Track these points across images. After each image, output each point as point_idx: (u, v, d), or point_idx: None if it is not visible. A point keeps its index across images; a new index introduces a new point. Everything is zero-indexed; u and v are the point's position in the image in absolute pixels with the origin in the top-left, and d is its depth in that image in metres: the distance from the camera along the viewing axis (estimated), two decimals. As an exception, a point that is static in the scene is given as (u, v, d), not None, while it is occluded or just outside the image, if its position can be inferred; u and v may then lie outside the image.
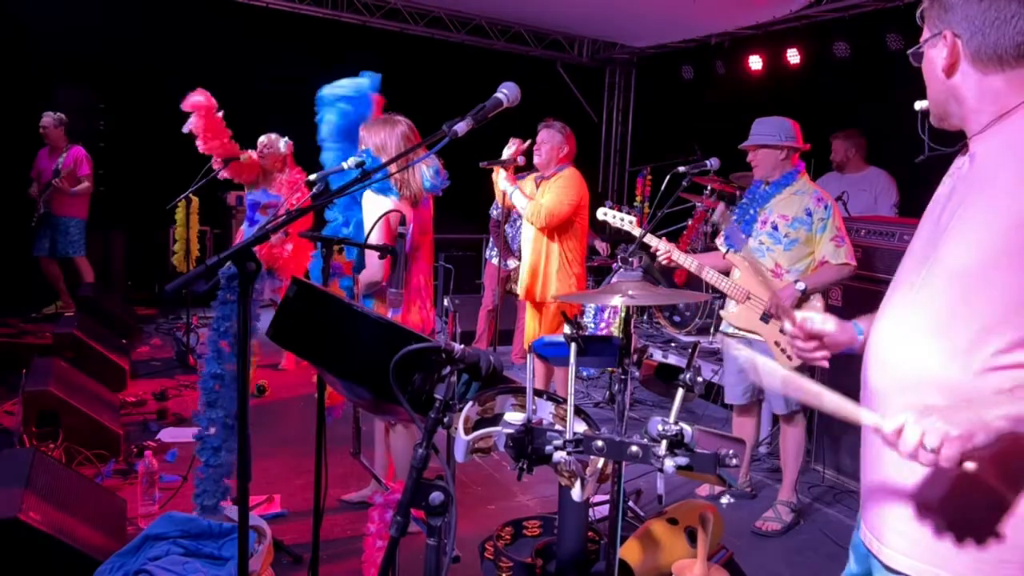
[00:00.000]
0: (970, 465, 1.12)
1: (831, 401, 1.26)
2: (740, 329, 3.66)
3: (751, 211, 3.65)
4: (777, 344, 3.51)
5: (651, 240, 3.61)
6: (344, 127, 3.32)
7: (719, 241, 3.88)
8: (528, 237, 4.52)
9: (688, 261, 3.62)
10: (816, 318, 1.55)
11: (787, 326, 1.57)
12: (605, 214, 3.79)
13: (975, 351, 1.24)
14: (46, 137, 6.71)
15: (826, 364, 1.59)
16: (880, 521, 1.40)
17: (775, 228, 3.54)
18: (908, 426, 1.13)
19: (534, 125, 4.49)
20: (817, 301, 3.49)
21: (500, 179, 4.46)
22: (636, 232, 3.63)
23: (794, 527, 3.66)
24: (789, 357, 3.45)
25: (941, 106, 1.41)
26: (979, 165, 1.33)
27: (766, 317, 3.52)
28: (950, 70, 1.34)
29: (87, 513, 2.87)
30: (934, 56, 1.37)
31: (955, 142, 1.47)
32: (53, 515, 2.62)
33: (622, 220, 3.69)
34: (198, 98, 4.97)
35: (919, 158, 1.57)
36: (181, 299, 6.42)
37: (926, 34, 1.39)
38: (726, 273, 3.66)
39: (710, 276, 3.63)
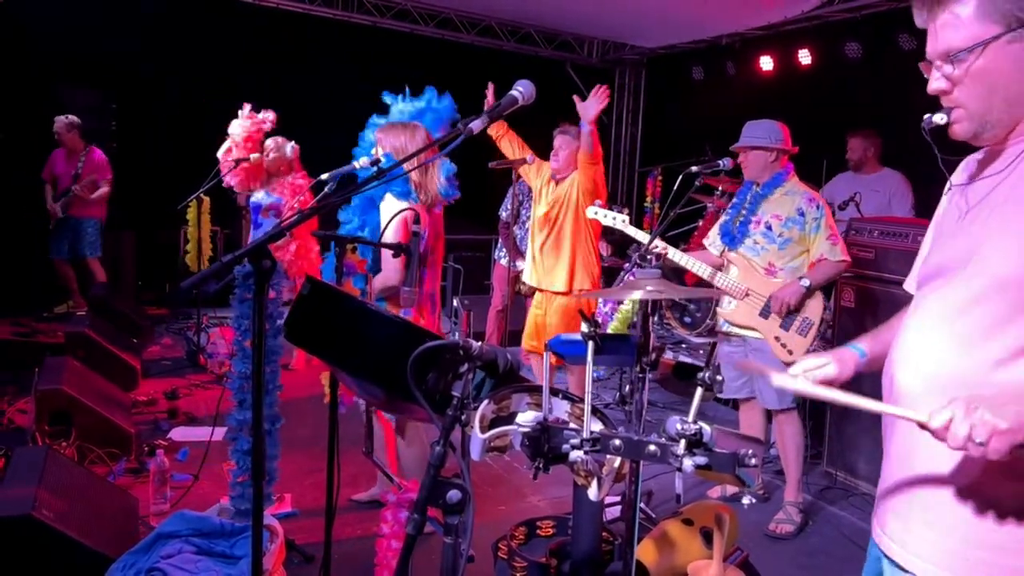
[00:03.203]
0: None
1: (864, 403, 1.25)
2: (738, 326, 3.66)
3: (746, 214, 3.67)
4: (777, 339, 3.52)
5: (633, 232, 3.65)
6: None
7: (708, 240, 3.89)
8: (565, 233, 4.37)
9: (680, 256, 3.62)
10: (813, 366, 1.53)
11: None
12: (595, 213, 3.79)
13: (1017, 358, 1.22)
14: (61, 141, 6.72)
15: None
16: (898, 523, 1.38)
17: (769, 228, 3.59)
18: (956, 420, 1.12)
19: (543, 126, 4.46)
20: (817, 300, 3.52)
21: (532, 173, 4.46)
22: (629, 230, 3.67)
23: (805, 527, 3.64)
24: (789, 352, 3.47)
25: (1000, 112, 1.27)
26: None
27: (766, 312, 3.53)
28: None
29: (99, 511, 2.89)
30: (1017, 52, 1.22)
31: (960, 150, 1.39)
32: (66, 513, 2.63)
33: (614, 219, 3.72)
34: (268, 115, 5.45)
35: (947, 189, 1.47)
36: (191, 299, 6.42)
37: (993, 29, 1.22)
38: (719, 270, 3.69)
39: (705, 272, 3.65)
